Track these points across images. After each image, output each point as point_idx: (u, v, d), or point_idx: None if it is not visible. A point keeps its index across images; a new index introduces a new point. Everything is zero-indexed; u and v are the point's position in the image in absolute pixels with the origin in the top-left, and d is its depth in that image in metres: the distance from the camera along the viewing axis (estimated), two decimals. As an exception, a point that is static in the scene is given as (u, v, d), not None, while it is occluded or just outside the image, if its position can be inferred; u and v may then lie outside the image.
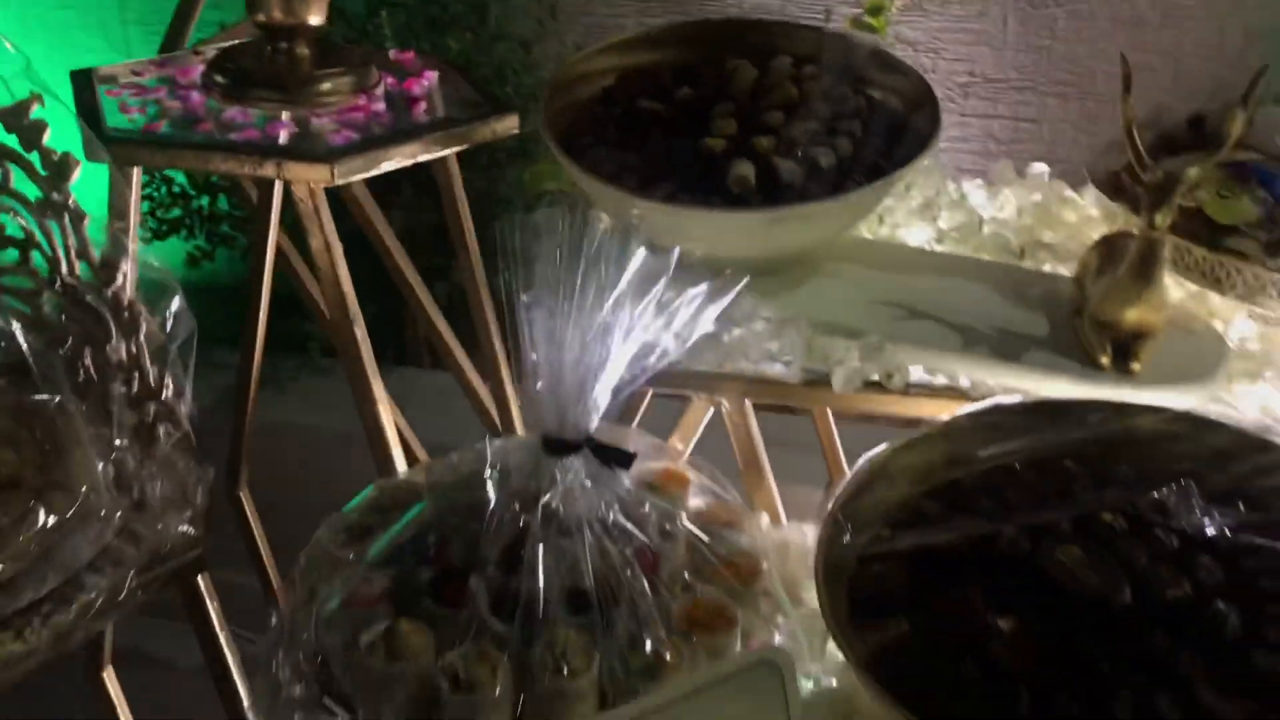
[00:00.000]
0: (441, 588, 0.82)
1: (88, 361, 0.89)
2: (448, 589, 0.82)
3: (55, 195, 0.89)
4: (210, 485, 0.88)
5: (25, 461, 0.83)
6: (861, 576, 0.84)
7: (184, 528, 0.82)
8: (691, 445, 1.12)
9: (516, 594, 0.81)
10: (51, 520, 0.76)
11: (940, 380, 1.03)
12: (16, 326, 0.91)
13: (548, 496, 0.84)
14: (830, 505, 0.86)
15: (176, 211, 2.33)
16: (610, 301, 0.81)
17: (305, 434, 2.20)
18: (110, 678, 1.37)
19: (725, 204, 1.04)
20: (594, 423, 0.85)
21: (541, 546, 0.82)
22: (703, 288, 0.82)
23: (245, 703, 1.19)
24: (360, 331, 1.18)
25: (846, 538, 0.83)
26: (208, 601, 0.88)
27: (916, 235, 1.29)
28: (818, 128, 1.13)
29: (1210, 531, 0.80)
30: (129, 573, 0.78)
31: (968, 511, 0.86)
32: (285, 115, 1.31)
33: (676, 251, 0.80)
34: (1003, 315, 1.08)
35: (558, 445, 0.84)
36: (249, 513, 1.62)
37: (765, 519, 1.01)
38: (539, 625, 0.79)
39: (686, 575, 0.86)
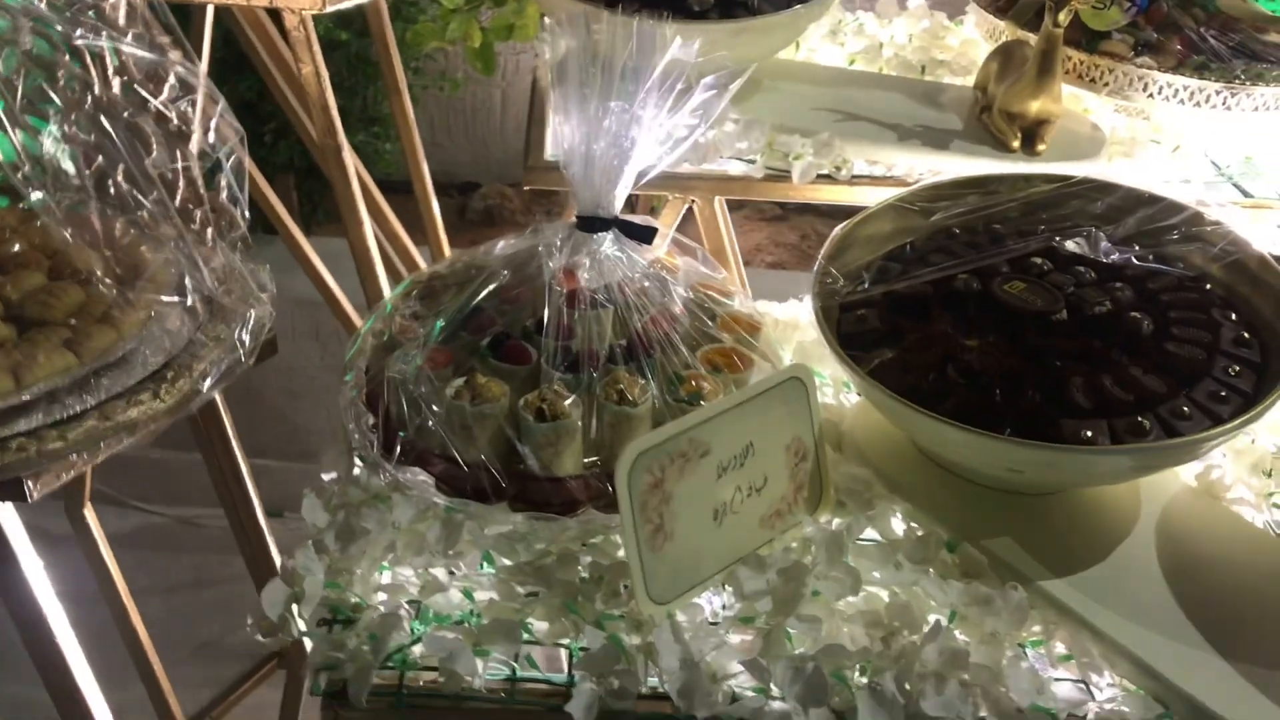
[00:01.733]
0: (502, 349, 0.95)
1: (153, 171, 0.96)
2: (508, 350, 0.95)
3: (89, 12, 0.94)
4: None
5: (105, 258, 0.90)
6: (846, 321, 1.01)
7: (265, 310, 0.91)
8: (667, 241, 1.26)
9: (568, 350, 0.94)
10: (150, 301, 0.85)
11: (879, 170, 1.19)
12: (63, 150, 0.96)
13: (586, 268, 0.97)
14: (818, 264, 1.03)
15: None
16: (639, 96, 0.93)
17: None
18: (90, 514, 1.44)
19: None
20: (620, 205, 0.98)
21: (585, 309, 0.96)
22: (713, 79, 0.95)
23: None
24: (348, 156, 1.26)
25: (840, 283, 1.00)
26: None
27: (828, 57, 1.45)
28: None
29: (1118, 264, 1.01)
30: (225, 351, 0.88)
31: (925, 264, 1.04)
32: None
33: (696, 45, 0.93)
34: (922, 116, 1.26)
35: (592, 223, 0.97)
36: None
37: (745, 298, 1.16)
38: (596, 371, 0.93)
39: (700, 331, 1.01)
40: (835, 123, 1.23)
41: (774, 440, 0.89)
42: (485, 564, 0.86)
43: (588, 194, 0.96)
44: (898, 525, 0.93)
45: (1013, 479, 0.93)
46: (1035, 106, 1.18)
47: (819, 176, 1.18)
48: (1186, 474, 1.00)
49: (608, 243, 0.98)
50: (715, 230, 1.21)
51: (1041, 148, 1.19)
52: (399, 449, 0.91)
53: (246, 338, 0.89)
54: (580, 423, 0.90)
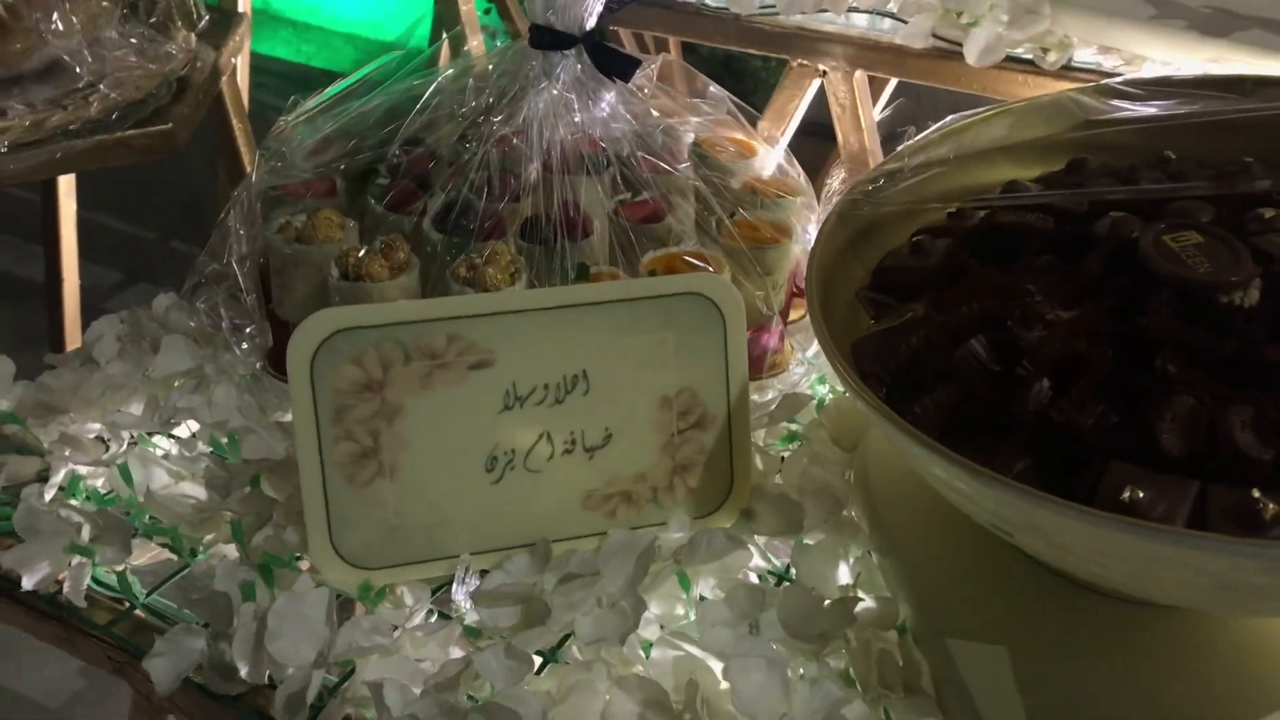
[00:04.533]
0: (391, 191, 0.70)
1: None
2: (397, 193, 0.69)
3: None
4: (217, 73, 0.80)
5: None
6: (897, 251, 0.63)
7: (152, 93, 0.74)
8: (788, 129, 0.92)
9: (468, 209, 0.67)
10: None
11: (1114, 64, 0.77)
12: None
13: (526, 101, 0.69)
14: (886, 157, 0.65)
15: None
16: None
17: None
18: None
19: None
20: (593, 13, 0.68)
21: (499, 156, 0.67)
22: None
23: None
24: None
25: (882, 187, 0.62)
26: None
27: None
28: None
29: None
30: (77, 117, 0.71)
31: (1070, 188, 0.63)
32: None
33: None
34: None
35: (545, 37, 0.68)
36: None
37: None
38: (477, 242, 0.65)
39: (685, 232, 0.69)
40: (1070, -12, 0.81)
41: (637, 381, 0.56)
42: (217, 450, 0.62)
43: (538, -12, 0.67)
44: (841, 573, 0.56)
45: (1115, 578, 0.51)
46: None
47: (1011, 59, 0.78)
48: None
49: (568, 69, 0.69)
50: (852, 119, 0.84)
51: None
52: (229, 280, 0.70)
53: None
54: (404, 294, 0.63)
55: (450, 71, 0.73)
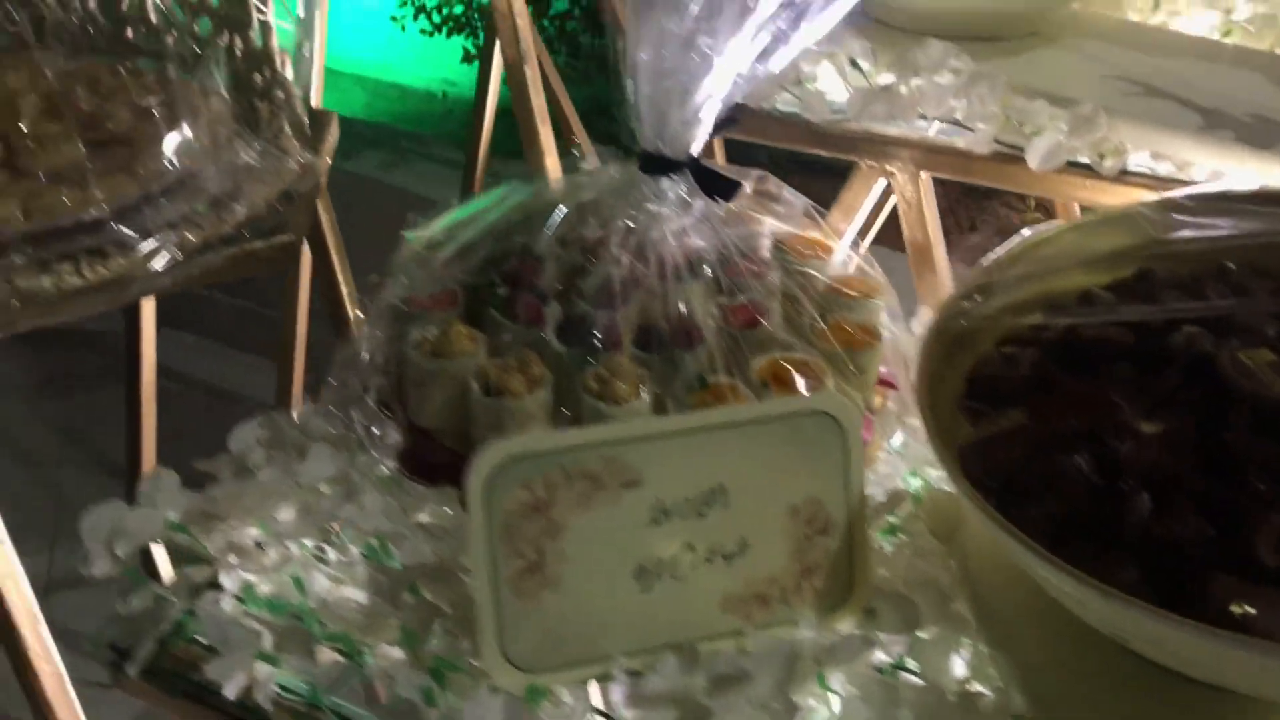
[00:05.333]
0: (513, 303, 0.75)
1: (220, 42, 0.87)
2: (517, 305, 0.75)
3: None
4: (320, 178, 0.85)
5: (141, 123, 0.83)
6: (989, 360, 0.69)
7: (274, 207, 0.79)
8: (854, 225, 0.98)
9: (586, 320, 0.73)
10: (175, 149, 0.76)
11: (1166, 169, 0.83)
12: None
13: (636, 222, 0.74)
14: (972, 272, 0.71)
15: (459, 8, 2.35)
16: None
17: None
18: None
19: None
20: (699, 139, 0.74)
21: (625, 275, 0.73)
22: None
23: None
24: (531, 70, 1.11)
25: (975, 302, 0.68)
26: (300, 290, 0.86)
27: (1199, 23, 1.05)
28: None
29: None
30: (202, 236, 0.77)
31: (1147, 301, 0.69)
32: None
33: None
34: (1266, 102, 0.86)
35: (654, 163, 0.74)
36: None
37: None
38: (600, 353, 0.71)
39: (784, 337, 0.74)
40: (1123, 96, 0.87)
41: (769, 493, 0.62)
42: (373, 556, 0.68)
43: (652, 120, 0.73)
44: (956, 665, 0.61)
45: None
46: None
47: (1070, 165, 0.84)
48: None
49: (674, 191, 0.75)
50: (918, 219, 0.91)
51: None
52: (366, 392, 0.75)
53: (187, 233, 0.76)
54: (537, 409, 0.68)
55: (558, 189, 0.79)
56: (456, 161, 2.22)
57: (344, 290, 1.01)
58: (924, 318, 0.69)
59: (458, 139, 2.24)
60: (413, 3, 2.40)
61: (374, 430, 0.74)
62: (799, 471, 0.62)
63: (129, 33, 0.93)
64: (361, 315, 0.79)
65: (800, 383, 0.69)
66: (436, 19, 2.36)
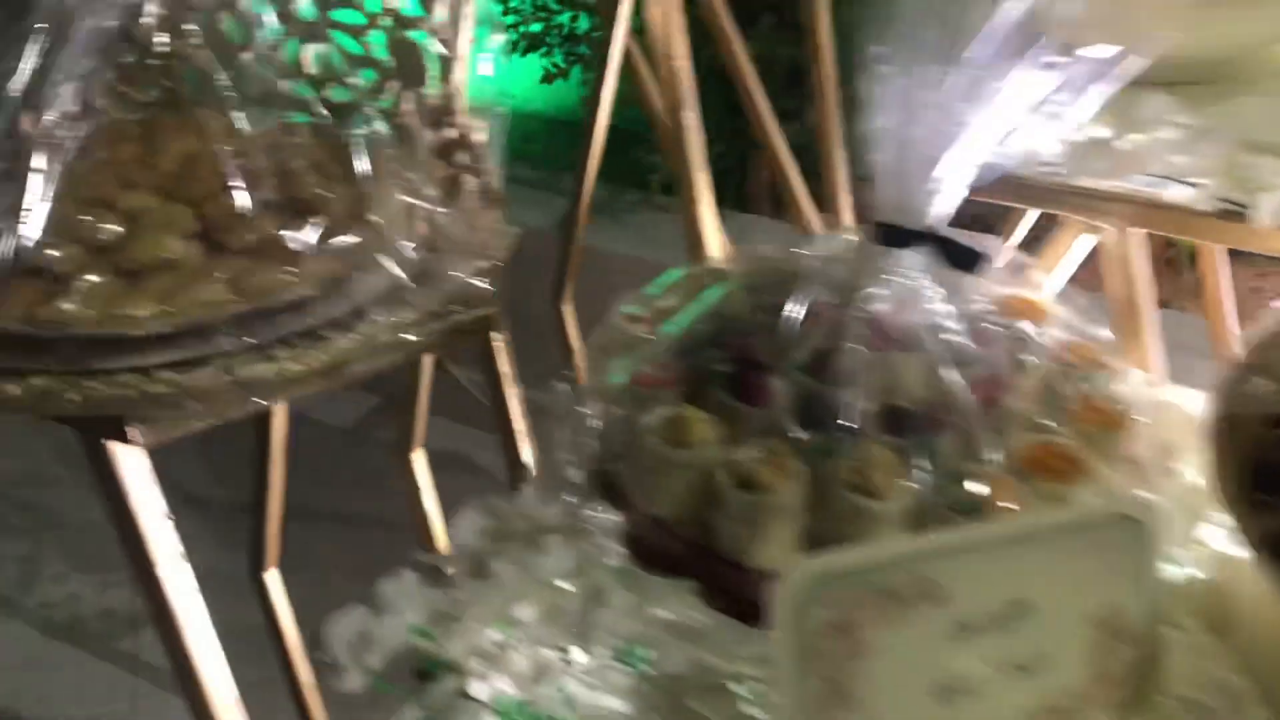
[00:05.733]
0: (740, 382, 0.72)
1: (404, 106, 0.84)
2: (746, 385, 0.72)
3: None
4: (515, 246, 0.82)
5: (332, 193, 0.79)
6: (1266, 444, 0.66)
7: (477, 280, 0.75)
8: (1057, 279, 0.94)
9: (824, 401, 0.69)
10: (347, 245, 0.72)
11: None
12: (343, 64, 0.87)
13: (875, 296, 0.71)
14: (1243, 351, 0.68)
15: (537, 26, 2.32)
16: (980, 60, 0.65)
17: (633, 264, 2.17)
18: (420, 460, 1.39)
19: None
20: (940, 209, 0.70)
21: (862, 351, 0.70)
22: (1094, 52, 0.64)
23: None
24: (691, 117, 1.07)
25: (1259, 384, 0.65)
26: (498, 360, 0.83)
27: None
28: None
29: None
30: (414, 314, 0.73)
31: None
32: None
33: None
34: None
35: (893, 235, 0.71)
36: (569, 324, 1.59)
37: (1141, 375, 0.83)
38: (847, 439, 0.67)
39: (1035, 415, 0.71)
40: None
41: (1070, 604, 0.58)
42: (627, 661, 0.65)
43: (891, 190, 0.70)
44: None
45: None
46: None
47: (1301, 222, 0.80)
48: None
49: (913, 264, 0.71)
50: (1126, 277, 0.87)
51: None
52: (589, 475, 0.72)
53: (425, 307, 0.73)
54: (795, 503, 0.65)
55: (781, 262, 0.75)
56: (536, 181, 2.19)
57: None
58: (1203, 401, 0.65)
59: (545, 160, 2.20)
60: (488, 21, 2.37)
61: (600, 515, 0.71)
62: (1101, 578, 0.58)
63: (289, 86, 0.90)
64: (572, 392, 0.76)
65: (1068, 473, 0.66)
66: (514, 36, 2.32)
